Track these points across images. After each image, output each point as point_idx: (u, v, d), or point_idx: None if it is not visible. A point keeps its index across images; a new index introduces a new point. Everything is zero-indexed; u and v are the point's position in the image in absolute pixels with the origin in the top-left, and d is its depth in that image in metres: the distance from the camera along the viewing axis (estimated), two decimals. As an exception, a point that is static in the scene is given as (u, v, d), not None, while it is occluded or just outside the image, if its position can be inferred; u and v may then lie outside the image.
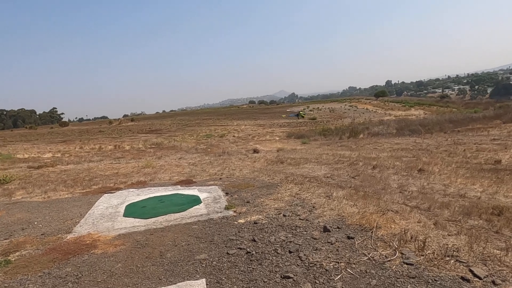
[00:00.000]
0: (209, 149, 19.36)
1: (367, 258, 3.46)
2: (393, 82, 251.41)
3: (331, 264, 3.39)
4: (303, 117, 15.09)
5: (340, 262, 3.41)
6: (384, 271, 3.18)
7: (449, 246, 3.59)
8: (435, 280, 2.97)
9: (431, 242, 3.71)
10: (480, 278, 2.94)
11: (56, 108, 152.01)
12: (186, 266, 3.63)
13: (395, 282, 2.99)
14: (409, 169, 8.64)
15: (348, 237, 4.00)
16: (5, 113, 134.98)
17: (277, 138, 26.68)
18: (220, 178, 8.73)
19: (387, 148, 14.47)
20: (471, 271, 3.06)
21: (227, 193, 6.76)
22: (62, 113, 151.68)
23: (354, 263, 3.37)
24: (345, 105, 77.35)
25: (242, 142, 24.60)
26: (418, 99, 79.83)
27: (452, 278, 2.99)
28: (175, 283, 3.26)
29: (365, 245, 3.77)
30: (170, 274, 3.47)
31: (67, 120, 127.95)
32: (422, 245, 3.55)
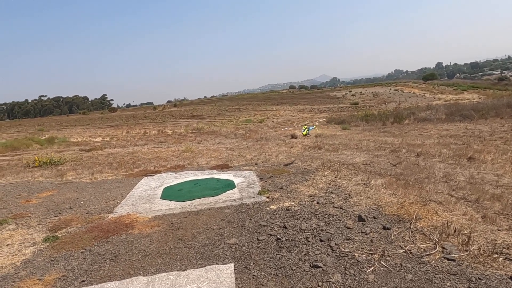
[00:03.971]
0: (247, 134, 19.45)
1: (403, 250, 3.26)
2: (444, 64, 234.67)
3: (363, 256, 3.23)
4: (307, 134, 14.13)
5: (374, 254, 3.25)
6: (421, 266, 2.98)
7: (498, 242, 3.27)
8: (479, 278, 2.72)
9: (478, 237, 3.41)
10: (532, 280, 2.65)
11: (106, 95, 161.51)
12: (216, 250, 3.67)
13: (433, 278, 2.78)
14: (457, 157, 8.03)
15: (384, 228, 3.80)
16: (62, 99, 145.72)
17: (317, 124, 26.16)
18: (256, 164, 8.72)
19: (434, 134, 13.58)
20: (522, 271, 2.77)
21: (261, 179, 6.74)
22: (112, 100, 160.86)
23: (388, 256, 3.20)
24: (390, 89, 73.80)
25: (280, 128, 24.42)
26: (472, 82, 73.74)
27: (499, 277, 2.72)
28: (204, 266, 3.30)
29: (402, 237, 3.55)
30: (200, 257, 3.53)
31: (115, 106, 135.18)
32: (467, 240, 3.27)
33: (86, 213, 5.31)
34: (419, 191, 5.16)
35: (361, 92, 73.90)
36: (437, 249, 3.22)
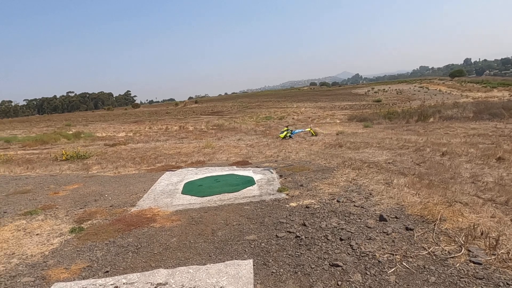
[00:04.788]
0: (267, 131, 19.44)
1: (426, 252, 3.17)
2: (472, 61, 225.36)
3: (385, 256, 3.17)
4: (290, 137, 12.81)
5: (396, 255, 3.18)
6: (445, 268, 2.89)
7: (529, 246, 3.13)
8: (507, 284, 2.61)
9: (506, 240, 3.27)
10: None
11: (130, 91, 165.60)
12: (236, 245, 3.70)
13: (458, 281, 2.70)
14: (485, 157, 7.72)
15: (407, 228, 3.70)
16: (88, 95, 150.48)
17: (338, 121, 25.78)
18: (276, 161, 8.71)
19: (460, 133, 13.11)
20: (555, 277, 2.64)
21: (281, 176, 6.72)
22: (135, 96, 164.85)
23: (411, 257, 3.12)
24: (415, 86, 71.79)
25: (301, 125, 24.26)
26: (503, 79, 70.40)
27: (529, 283, 2.61)
28: (223, 261, 3.33)
29: (426, 238, 3.46)
30: (219, 252, 3.57)
31: (139, 102, 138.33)
32: (495, 243, 3.14)
33: (110, 206, 5.48)
34: (444, 191, 5.00)
35: (384, 89, 72.23)
36: (462, 251, 3.12)
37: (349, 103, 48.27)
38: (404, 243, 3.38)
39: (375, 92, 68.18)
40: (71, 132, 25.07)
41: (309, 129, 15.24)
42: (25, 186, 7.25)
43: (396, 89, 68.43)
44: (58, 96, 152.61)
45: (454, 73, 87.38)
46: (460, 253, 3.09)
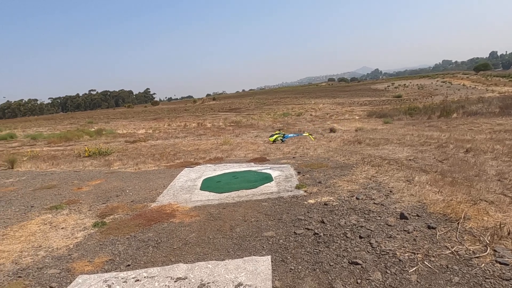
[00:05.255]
0: (285, 128, 19.37)
1: (449, 251, 3.09)
2: (499, 54, 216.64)
3: (406, 255, 3.11)
4: (282, 140, 11.80)
5: (417, 254, 3.11)
6: (470, 269, 2.80)
7: (560, 247, 2.99)
8: (536, 285, 2.51)
9: (535, 240, 3.14)
10: None
11: (149, 89, 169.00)
12: (254, 241, 3.71)
13: (483, 282, 2.61)
14: (513, 154, 7.43)
15: (429, 227, 3.61)
16: (109, 93, 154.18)
17: (357, 117, 25.41)
18: (294, 157, 8.67)
19: (486, 129, 12.66)
20: None
21: (299, 172, 6.69)
22: (154, 93, 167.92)
23: (433, 256, 3.04)
24: (437, 81, 69.83)
25: (319, 121, 24.05)
26: (532, 73, 67.54)
27: (560, 285, 2.50)
28: (241, 257, 3.35)
29: (449, 237, 3.36)
30: (238, 248, 3.59)
31: (158, 100, 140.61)
32: (522, 243, 3.03)
33: (131, 201, 5.60)
34: (468, 189, 4.85)
35: (404, 85, 70.61)
36: (488, 251, 3.01)
37: (368, 99, 47.46)
38: (426, 242, 3.30)
39: (395, 88, 66.73)
40: (93, 129, 25.78)
41: (307, 133, 13.59)
42: (50, 182, 7.51)
43: (417, 84, 66.79)
44: (80, 94, 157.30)
45: (479, 66, 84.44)
46: (485, 253, 2.99)
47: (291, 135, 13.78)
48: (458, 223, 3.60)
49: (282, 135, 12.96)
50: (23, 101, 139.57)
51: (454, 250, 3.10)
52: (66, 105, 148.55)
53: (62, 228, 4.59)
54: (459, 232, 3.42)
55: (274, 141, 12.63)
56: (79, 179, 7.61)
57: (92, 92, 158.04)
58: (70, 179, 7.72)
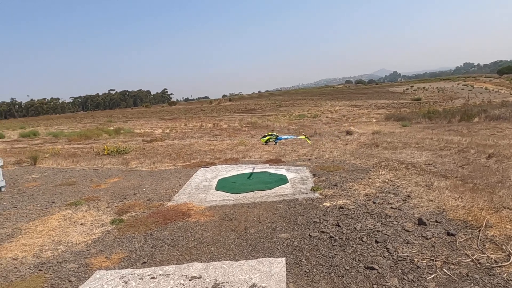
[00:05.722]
0: (300, 130, 19.28)
1: (470, 259, 3.00)
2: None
3: (424, 261, 3.04)
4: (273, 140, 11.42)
5: (436, 260, 3.03)
6: (491, 278, 2.72)
7: None
8: (562, 298, 2.41)
9: (562, 251, 3.02)
10: None
11: (166, 89, 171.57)
12: (268, 243, 3.70)
13: (505, 292, 2.53)
14: (538, 160, 7.16)
15: (448, 234, 3.52)
16: (127, 93, 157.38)
17: (374, 120, 25.05)
18: (309, 159, 8.62)
19: (509, 134, 12.25)
20: None
21: (314, 175, 6.64)
22: (171, 93, 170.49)
23: (452, 263, 2.96)
24: (458, 84, 68.06)
25: (335, 124, 23.82)
26: (560, 76, 64.96)
27: None
28: (256, 258, 3.35)
29: (469, 244, 3.27)
30: (252, 248, 3.59)
31: (175, 100, 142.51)
32: (548, 254, 2.91)
33: (148, 200, 5.69)
34: (490, 196, 4.70)
35: (424, 87, 69.16)
36: (510, 261, 2.91)
37: (386, 102, 46.71)
38: (445, 249, 3.22)
39: (414, 90, 65.44)
40: (112, 128, 26.34)
41: (303, 137, 13.04)
42: (70, 178, 7.71)
43: (437, 87, 65.33)
44: (100, 94, 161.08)
45: (503, 69, 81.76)
46: (508, 262, 2.89)
47: (286, 137, 13.50)
48: (479, 231, 3.49)
49: (275, 137, 12.71)
50: (46, 99, 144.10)
51: (474, 258, 3.02)
52: (87, 104, 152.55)
53: (81, 224, 4.70)
54: (480, 240, 3.32)
55: (266, 142, 12.44)
56: (98, 177, 7.79)
57: (111, 91, 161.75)
58: (89, 176, 7.91)
